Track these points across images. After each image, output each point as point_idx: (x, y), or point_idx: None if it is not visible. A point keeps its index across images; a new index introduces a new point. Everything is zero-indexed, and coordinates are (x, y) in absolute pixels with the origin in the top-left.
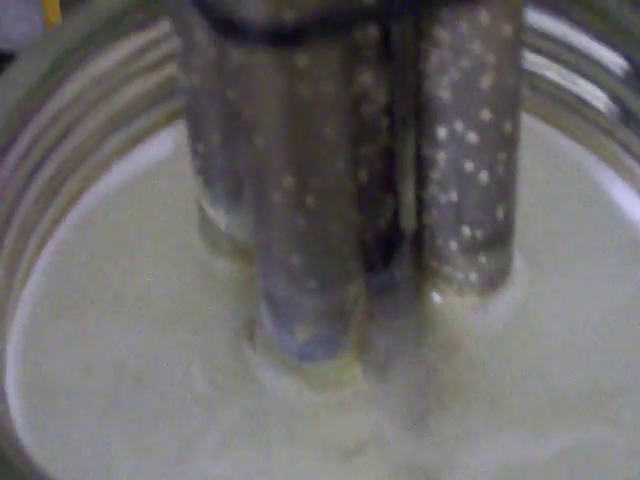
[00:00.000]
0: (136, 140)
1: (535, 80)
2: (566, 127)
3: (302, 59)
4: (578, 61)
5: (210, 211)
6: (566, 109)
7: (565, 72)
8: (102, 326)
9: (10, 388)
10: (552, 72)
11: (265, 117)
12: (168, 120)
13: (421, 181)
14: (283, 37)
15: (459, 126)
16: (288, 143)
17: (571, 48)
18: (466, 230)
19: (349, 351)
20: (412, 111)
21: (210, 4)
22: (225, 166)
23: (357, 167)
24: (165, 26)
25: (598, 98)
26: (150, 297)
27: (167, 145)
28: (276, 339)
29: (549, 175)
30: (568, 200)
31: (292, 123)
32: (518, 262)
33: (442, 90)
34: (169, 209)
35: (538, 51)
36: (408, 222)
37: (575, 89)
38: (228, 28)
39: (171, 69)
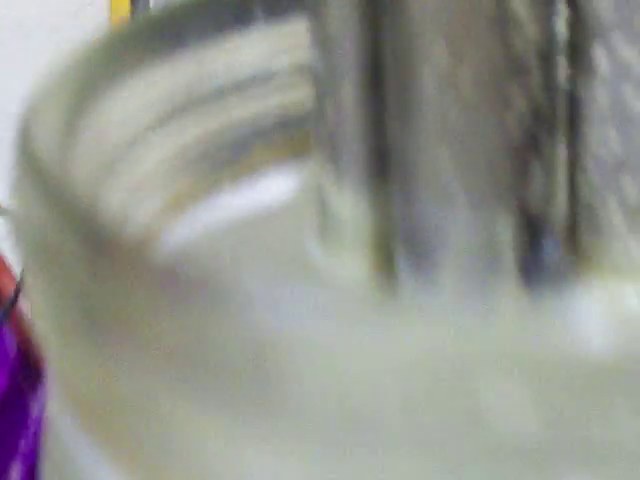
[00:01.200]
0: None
1: None
2: None
3: None
4: None
5: (332, 195)
6: None
7: None
8: None
9: None
10: None
11: None
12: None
13: (572, 128)
14: None
15: (617, 41)
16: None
17: None
18: (627, 181)
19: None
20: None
21: None
22: (357, 130)
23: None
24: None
25: None
26: None
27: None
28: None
29: None
30: None
31: None
32: None
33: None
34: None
35: None
36: (560, 200)
37: None
38: None
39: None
